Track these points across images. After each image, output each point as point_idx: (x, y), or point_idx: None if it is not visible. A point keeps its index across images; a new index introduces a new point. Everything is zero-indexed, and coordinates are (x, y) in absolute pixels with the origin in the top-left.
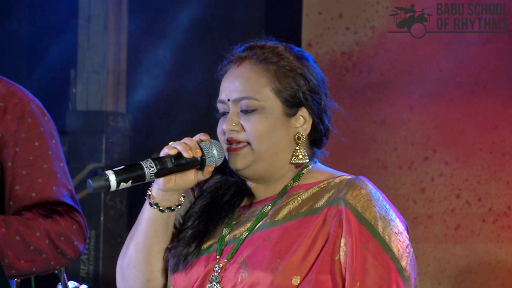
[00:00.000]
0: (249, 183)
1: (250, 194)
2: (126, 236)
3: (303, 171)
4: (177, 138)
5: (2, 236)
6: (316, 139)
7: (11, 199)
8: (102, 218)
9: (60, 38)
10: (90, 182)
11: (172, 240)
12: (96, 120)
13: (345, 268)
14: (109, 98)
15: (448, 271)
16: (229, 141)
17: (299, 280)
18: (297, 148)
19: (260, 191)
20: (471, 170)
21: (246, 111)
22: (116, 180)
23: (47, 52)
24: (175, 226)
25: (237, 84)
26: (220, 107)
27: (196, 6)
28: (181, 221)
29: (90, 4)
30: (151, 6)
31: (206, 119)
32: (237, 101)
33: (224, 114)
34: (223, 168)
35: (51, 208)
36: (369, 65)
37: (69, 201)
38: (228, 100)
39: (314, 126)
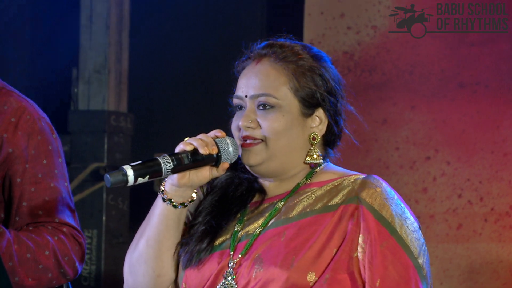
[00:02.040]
0: (261, 180)
1: (262, 190)
2: (128, 236)
3: (316, 170)
4: (179, 137)
5: (15, 253)
6: (330, 140)
7: (17, 215)
8: (104, 218)
9: (61, 37)
10: (108, 176)
11: (182, 236)
12: (97, 120)
13: (363, 266)
14: (111, 97)
15: (450, 271)
16: (244, 138)
17: (314, 276)
18: (312, 148)
19: (272, 187)
20: (473, 170)
21: (263, 108)
22: (134, 175)
23: (49, 51)
24: (184, 223)
25: (255, 81)
26: (236, 102)
27: (197, 5)
28: (191, 217)
29: (92, 3)
30: (153, 6)
31: (208, 119)
32: (254, 97)
33: (240, 110)
34: (235, 164)
35: (56, 227)
36: (370, 65)
37: (72, 222)
38: (246, 96)
39: (329, 128)
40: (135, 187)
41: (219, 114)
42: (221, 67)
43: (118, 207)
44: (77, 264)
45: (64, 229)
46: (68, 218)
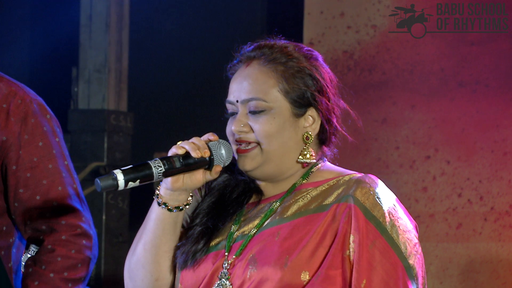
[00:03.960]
0: (258, 181)
1: (258, 191)
2: (128, 235)
3: (313, 170)
4: (179, 136)
5: None
6: (325, 139)
7: (15, 201)
8: (104, 217)
9: (61, 36)
10: (98, 181)
11: (181, 239)
12: (97, 119)
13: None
14: (110, 96)
15: (450, 270)
16: (239, 142)
17: (308, 276)
18: (305, 147)
19: (269, 188)
20: (473, 169)
21: (254, 112)
22: (124, 179)
23: (49, 50)
24: (182, 226)
25: (245, 85)
26: (229, 107)
27: (198, 4)
28: (189, 220)
29: (91, 2)
30: (153, 5)
31: (208, 118)
32: (245, 102)
33: (233, 114)
34: (232, 167)
35: (54, 240)
36: (370, 64)
37: (73, 202)
38: (237, 101)
39: (322, 126)
40: (136, 186)
41: (219, 113)
42: (220, 66)
43: (118, 206)
44: (88, 254)
45: (61, 235)
46: (69, 199)
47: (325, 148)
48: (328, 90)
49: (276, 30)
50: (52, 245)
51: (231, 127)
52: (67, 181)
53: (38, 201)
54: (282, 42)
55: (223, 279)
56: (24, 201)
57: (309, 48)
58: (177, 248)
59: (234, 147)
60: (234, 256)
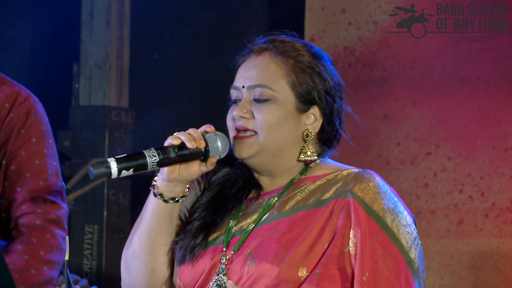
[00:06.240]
0: (257, 176)
1: (257, 186)
2: (129, 231)
3: (311, 165)
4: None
5: None
6: (325, 139)
7: (1, 197)
8: (105, 213)
9: (63, 33)
10: (91, 168)
11: (179, 233)
12: (98, 115)
13: (355, 259)
14: (112, 93)
15: (451, 266)
16: (238, 128)
17: (305, 271)
18: (305, 145)
19: (268, 183)
20: (474, 165)
21: (258, 100)
22: (117, 167)
23: (50, 47)
24: (181, 219)
25: (253, 73)
26: (233, 93)
27: (198, 1)
28: (187, 214)
29: None
30: (154, 1)
31: (209, 115)
32: (251, 88)
33: (236, 101)
34: (232, 161)
35: (29, 224)
36: (371, 60)
37: (54, 197)
38: (243, 87)
39: (324, 126)
40: (136, 181)
41: (220, 109)
42: (222, 61)
43: (119, 202)
44: (62, 251)
45: (37, 222)
46: (47, 193)
47: (325, 147)
48: (334, 92)
49: (291, 27)
50: (27, 229)
51: (233, 113)
52: (51, 178)
53: (18, 192)
54: (294, 39)
55: (221, 275)
56: (6, 194)
57: (320, 49)
58: (175, 242)
59: (232, 134)
60: (232, 252)
